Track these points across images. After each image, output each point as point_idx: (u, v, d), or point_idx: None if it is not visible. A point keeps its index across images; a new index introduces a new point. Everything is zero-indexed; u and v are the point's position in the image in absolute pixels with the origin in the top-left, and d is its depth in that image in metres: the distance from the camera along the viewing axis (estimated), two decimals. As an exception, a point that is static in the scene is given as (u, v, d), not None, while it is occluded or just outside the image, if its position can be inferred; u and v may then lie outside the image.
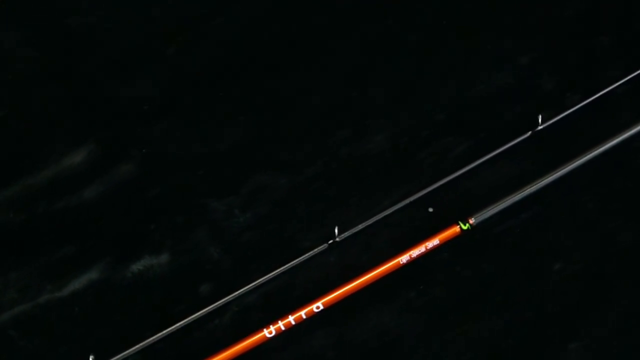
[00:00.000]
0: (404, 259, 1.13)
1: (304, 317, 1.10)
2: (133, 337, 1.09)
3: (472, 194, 1.21)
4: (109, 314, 1.15)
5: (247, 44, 1.35)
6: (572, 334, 1.14)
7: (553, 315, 1.15)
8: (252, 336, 1.09)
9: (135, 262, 1.18)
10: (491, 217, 1.15)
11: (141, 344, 1.08)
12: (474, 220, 1.15)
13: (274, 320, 1.09)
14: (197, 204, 1.22)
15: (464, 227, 1.14)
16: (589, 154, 1.18)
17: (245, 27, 1.36)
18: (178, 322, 1.10)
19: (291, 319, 1.09)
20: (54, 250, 1.18)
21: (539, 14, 1.36)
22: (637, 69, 1.26)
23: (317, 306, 1.10)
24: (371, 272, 1.12)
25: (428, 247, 1.13)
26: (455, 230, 1.15)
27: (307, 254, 1.14)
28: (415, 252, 1.13)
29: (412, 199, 1.19)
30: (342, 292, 1.11)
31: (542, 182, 1.17)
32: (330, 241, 1.15)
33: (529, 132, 1.21)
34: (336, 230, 1.14)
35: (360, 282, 1.12)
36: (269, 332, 1.09)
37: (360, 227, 1.16)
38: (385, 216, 1.18)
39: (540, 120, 1.21)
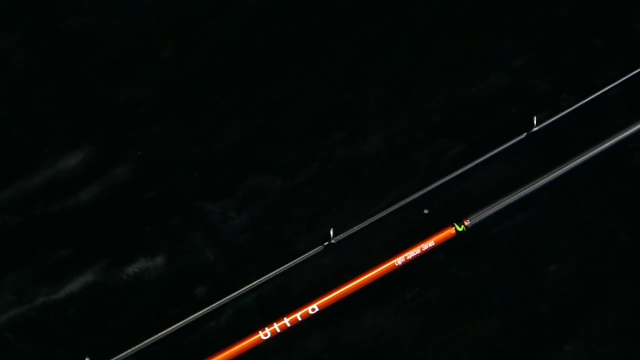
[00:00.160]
0: (399, 261, 1.13)
1: (300, 319, 1.10)
2: (129, 339, 1.09)
3: (468, 195, 1.21)
4: (105, 317, 1.15)
5: (244, 45, 1.35)
6: (568, 335, 1.14)
7: (549, 316, 1.15)
8: (248, 338, 1.09)
9: (131, 264, 1.18)
10: (487, 219, 1.15)
11: (137, 347, 1.08)
12: (469, 222, 1.15)
13: (269, 323, 1.09)
14: (193, 207, 1.22)
15: (460, 229, 1.14)
16: (584, 156, 1.18)
17: (244, 27, 1.36)
18: (174, 324, 1.10)
19: (287, 321, 1.09)
20: (50, 252, 1.18)
21: (535, 16, 1.36)
22: (633, 71, 1.26)
23: (313, 308, 1.10)
24: (367, 274, 1.12)
25: (424, 249, 1.13)
26: (450, 232, 1.15)
27: (302, 256, 1.14)
28: (411, 254, 1.13)
29: (407, 200, 1.18)
30: (338, 294, 1.11)
31: (538, 183, 1.17)
32: (326, 243, 1.15)
33: (525, 134, 1.21)
34: (332, 233, 1.14)
35: (356, 284, 1.12)
36: (265, 334, 1.09)
37: (356, 229, 1.16)
38: (381, 218, 1.18)
39: (535, 122, 1.21)
